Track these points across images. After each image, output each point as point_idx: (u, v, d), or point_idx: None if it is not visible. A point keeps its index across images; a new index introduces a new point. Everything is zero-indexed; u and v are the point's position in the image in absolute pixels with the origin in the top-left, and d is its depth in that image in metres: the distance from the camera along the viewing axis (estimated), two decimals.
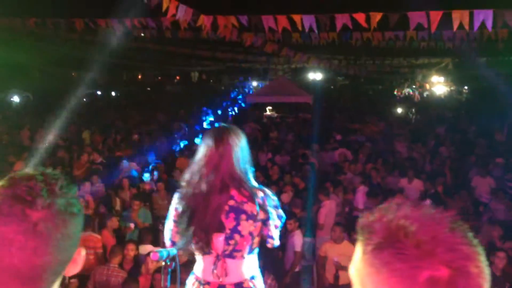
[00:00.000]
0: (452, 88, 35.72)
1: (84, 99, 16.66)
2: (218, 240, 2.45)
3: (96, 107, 23.13)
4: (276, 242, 2.62)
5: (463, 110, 23.86)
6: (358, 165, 10.58)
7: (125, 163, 9.87)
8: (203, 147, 2.55)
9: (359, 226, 0.92)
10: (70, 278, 5.36)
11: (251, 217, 2.45)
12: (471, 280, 0.81)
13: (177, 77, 47.34)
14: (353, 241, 5.64)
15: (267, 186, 2.78)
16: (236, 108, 27.27)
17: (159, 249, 2.57)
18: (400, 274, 0.81)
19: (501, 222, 6.90)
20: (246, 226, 2.45)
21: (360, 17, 7.15)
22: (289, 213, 6.08)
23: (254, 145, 10.36)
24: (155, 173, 9.53)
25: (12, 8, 11.69)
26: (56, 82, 24.69)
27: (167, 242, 2.64)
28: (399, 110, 23.34)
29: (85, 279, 5.45)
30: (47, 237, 0.92)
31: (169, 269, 2.53)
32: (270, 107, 24.08)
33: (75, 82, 13.39)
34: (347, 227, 6.57)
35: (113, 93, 34.92)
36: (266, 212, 2.50)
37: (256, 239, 2.54)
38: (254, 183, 2.56)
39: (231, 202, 2.45)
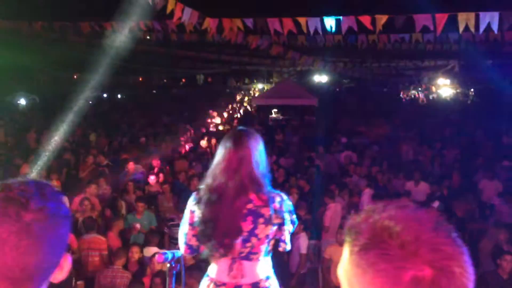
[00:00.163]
0: (458, 90, 35.57)
1: (90, 102, 16.74)
2: (236, 243, 2.45)
3: (102, 110, 23.24)
4: (288, 247, 2.65)
5: (469, 112, 23.74)
6: (363, 168, 10.56)
7: (130, 165, 9.89)
8: (222, 150, 2.53)
9: (347, 227, 0.93)
10: (77, 280, 5.39)
11: (268, 220, 2.45)
12: (455, 279, 0.81)
13: (183, 80, 47.45)
14: None
15: (272, 188, 2.78)
16: (241, 111, 27.32)
17: (164, 251, 2.57)
18: (385, 274, 0.82)
19: (508, 225, 6.85)
20: (263, 230, 2.46)
21: (366, 19, 7.15)
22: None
23: None
24: (161, 175, 9.54)
25: (19, 12, 11.79)
26: (63, 85, 24.79)
27: (182, 246, 2.61)
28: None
29: (92, 282, 5.47)
30: (40, 238, 0.96)
31: (174, 271, 2.52)
32: (275, 110, 24.08)
33: (81, 85, 13.42)
34: None
35: (119, 96, 35.09)
36: (282, 217, 2.51)
37: (272, 242, 2.56)
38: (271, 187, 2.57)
39: (250, 206, 2.45)
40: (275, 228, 2.51)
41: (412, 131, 16.66)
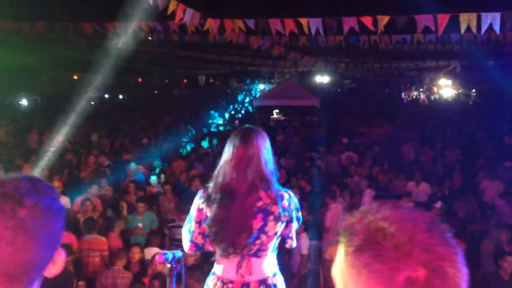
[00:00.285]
0: (460, 91, 35.57)
1: (92, 102, 16.77)
2: (245, 240, 2.45)
3: (103, 110, 23.27)
4: (294, 243, 2.68)
5: (471, 113, 23.73)
6: (364, 168, 10.55)
7: (132, 165, 9.90)
8: (230, 148, 2.53)
9: (341, 227, 0.93)
10: (78, 281, 5.40)
11: (278, 218, 2.47)
12: (448, 280, 0.82)
13: (185, 80, 47.53)
14: None
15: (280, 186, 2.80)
16: (243, 111, 27.32)
17: (165, 251, 2.57)
18: (379, 275, 0.83)
19: (509, 225, 6.83)
20: (273, 227, 2.47)
21: (367, 20, 7.15)
22: None
23: None
24: (162, 176, 9.55)
25: (21, 12, 11.82)
26: (64, 86, 24.86)
27: (187, 244, 2.61)
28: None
29: (93, 282, 5.48)
30: (34, 233, 0.96)
31: (175, 272, 2.52)
32: (277, 110, 24.07)
33: (82, 85, 13.44)
34: None
35: (120, 96, 35.14)
36: (290, 215, 2.54)
37: (279, 239, 2.58)
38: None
39: (259, 203, 2.46)
40: (283, 225, 2.53)
41: (413, 132, 16.65)
